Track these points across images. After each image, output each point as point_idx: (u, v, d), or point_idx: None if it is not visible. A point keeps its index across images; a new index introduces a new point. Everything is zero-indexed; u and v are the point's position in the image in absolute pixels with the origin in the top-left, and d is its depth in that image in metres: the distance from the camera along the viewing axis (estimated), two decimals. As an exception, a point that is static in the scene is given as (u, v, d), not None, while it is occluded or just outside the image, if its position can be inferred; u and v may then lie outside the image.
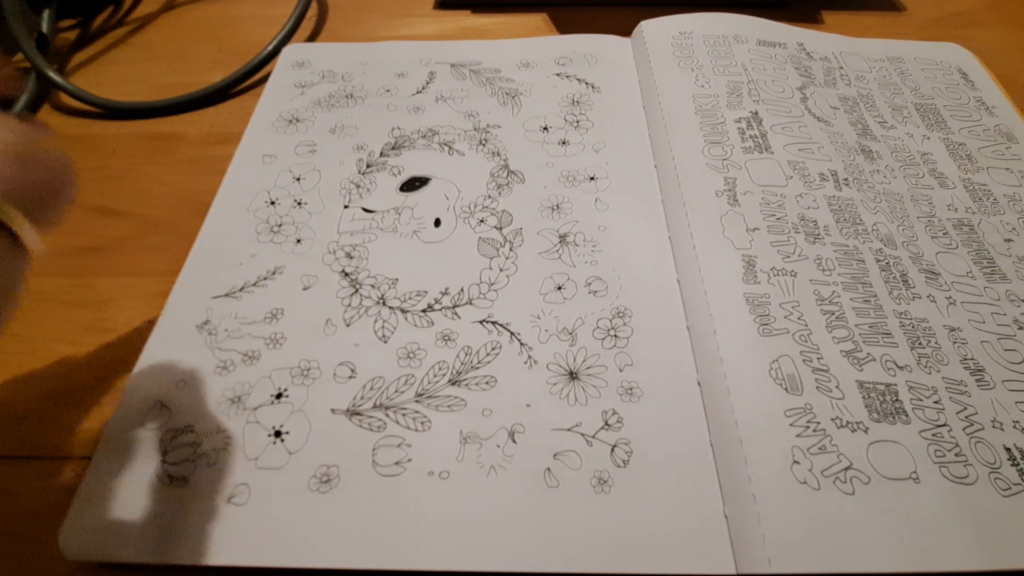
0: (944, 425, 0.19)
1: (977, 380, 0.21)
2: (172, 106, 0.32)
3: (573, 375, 0.21)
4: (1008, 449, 0.19)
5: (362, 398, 0.21)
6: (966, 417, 0.20)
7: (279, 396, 0.21)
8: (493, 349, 0.22)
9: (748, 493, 0.18)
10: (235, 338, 0.22)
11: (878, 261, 0.23)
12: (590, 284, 0.24)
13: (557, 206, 0.26)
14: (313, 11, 0.38)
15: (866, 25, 0.37)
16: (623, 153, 0.28)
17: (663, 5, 0.35)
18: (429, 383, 0.21)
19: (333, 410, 0.21)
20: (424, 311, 0.23)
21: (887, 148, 0.28)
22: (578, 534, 0.18)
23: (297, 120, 0.30)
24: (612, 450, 0.20)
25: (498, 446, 0.20)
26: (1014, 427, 0.20)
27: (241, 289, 0.24)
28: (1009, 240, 0.25)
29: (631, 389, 0.21)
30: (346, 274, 0.24)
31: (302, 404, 0.21)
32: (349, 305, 0.23)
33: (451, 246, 0.25)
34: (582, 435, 0.20)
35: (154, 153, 0.30)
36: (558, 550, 0.18)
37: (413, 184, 0.27)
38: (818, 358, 0.21)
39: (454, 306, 0.23)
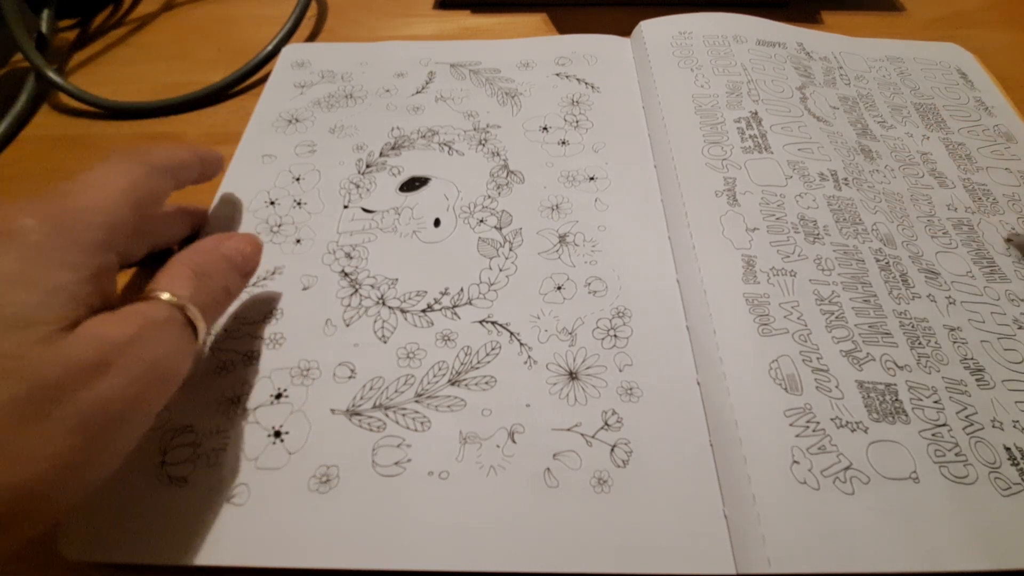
0: (944, 425, 0.19)
1: (977, 380, 0.21)
2: (171, 106, 0.32)
3: (573, 375, 0.21)
4: (1008, 449, 0.19)
5: (362, 398, 0.21)
6: (966, 417, 0.20)
7: (279, 396, 0.21)
8: (493, 349, 0.22)
9: (748, 493, 0.18)
10: (234, 338, 0.22)
11: (878, 261, 0.23)
12: (590, 284, 0.24)
13: (557, 206, 0.26)
14: (313, 11, 0.38)
15: (866, 25, 0.37)
16: (623, 153, 0.28)
17: (663, 5, 0.35)
18: (429, 383, 0.21)
19: (333, 410, 0.21)
20: (424, 311, 0.23)
21: (887, 148, 0.29)
22: (578, 534, 0.18)
23: (297, 120, 0.30)
24: (612, 450, 0.20)
25: (498, 446, 0.20)
26: (1014, 427, 0.20)
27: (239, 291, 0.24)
28: (1009, 240, 0.25)
29: (631, 389, 0.21)
30: (346, 274, 0.24)
31: (302, 404, 0.21)
32: (349, 305, 0.23)
33: (451, 246, 0.25)
34: (582, 435, 0.20)
35: (154, 153, 0.30)
36: (558, 550, 0.18)
37: (413, 184, 0.27)
38: (818, 358, 0.21)
39: (454, 306, 0.23)
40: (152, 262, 0.25)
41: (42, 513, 0.14)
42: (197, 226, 0.25)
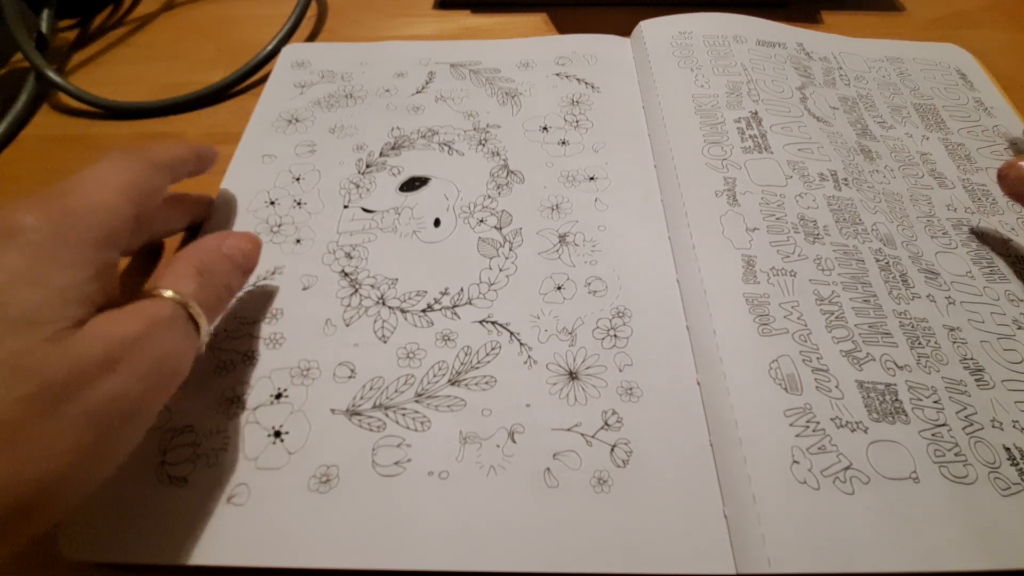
0: (944, 425, 0.19)
1: (976, 380, 0.21)
2: (171, 106, 0.32)
3: (573, 375, 0.21)
4: (1008, 449, 0.19)
5: (362, 398, 0.21)
6: (966, 417, 0.20)
7: (279, 396, 0.21)
8: (493, 349, 0.22)
9: (748, 493, 0.18)
10: (234, 338, 0.22)
11: (877, 261, 0.23)
12: (590, 284, 0.24)
13: (557, 206, 0.26)
14: (313, 11, 0.38)
15: (866, 25, 0.37)
16: (623, 153, 0.28)
17: (663, 5, 0.35)
18: (429, 383, 0.21)
19: (333, 410, 0.21)
20: (424, 311, 0.23)
21: (886, 148, 0.29)
22: (578, 534, 0.18)
23: (297, 120, 0.30)
24: (612, 450, 0.20)
25: (498, 446, 0.20)
26: (1013, 427, 0.20)
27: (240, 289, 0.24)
28: (1009, 240, 0.25)
29: (631, 389, 0.21)
30: (346, 274, 0.24)
31: (302, 404, 0.21)
32: (349, 305, 0.23)
33: (451, 246, 0.25)
34: (582, 435, 0.20)
35: (153, 153, 0.30)
36: (558, 550, 0.18)
37: (413, 184, 0.27)
38: (818, 358, 0.21)
39: (454, 306, 0.23)
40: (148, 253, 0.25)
41: (52, 508, 0.14)
42: (196, 216, 0.25)
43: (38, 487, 0.13)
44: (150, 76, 0.34)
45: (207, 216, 0.26)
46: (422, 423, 0.20)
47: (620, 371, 0.21)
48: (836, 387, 0.20)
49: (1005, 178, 0.25)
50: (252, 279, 0.24)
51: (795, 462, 0.18)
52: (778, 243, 0.24)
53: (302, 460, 0.19)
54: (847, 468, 0.18)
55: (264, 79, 0.33)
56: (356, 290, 0.24)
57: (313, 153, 0.29)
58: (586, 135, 0.29)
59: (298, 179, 0.27)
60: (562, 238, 0.25)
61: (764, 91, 0.30)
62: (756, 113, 0.28)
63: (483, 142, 0.29)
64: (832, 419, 0.19)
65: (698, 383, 0.21)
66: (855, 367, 0.21)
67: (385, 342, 0.22)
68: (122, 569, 0.18)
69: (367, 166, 0.28)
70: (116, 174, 0.18)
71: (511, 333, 0.22)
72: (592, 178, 0.27)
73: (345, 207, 0.26)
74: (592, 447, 0.20)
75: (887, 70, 0.32)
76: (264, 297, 0.23)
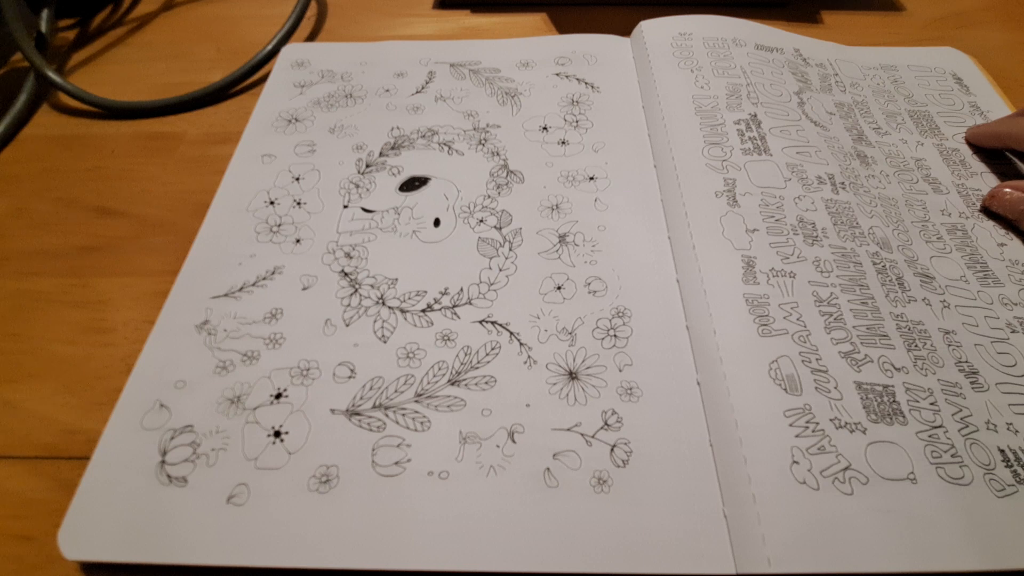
0: (940, 426, 0.20)
1: (971, 382, 0.21)
2: (171, 106, 0.32)
3: (573, 375, 0.21)
4: (1002, 451, 0.19)
5: (361, 398, 0.21)
6: (961, 419, 0.20)
7: (278, 396, 0.21)
8: (492, 349, 0.22)
9: (748, 493, 0.18)
10: (234, 338, 0.22)
11: (875, 264, 0.24)
12: (589, 284, 0.24)
13: (556, 206, 0.26)
14: (312, 11, 0.38)
15: (865, 25, 0.37)
16: (622, 153, 0.28)
17: (663, 5, 0.35)
18: (429, 383, 0.21)
19: (333, 410, 0.21)
20: (423, 311, 0.23)
21: (882, 154, 0.29)
22: (578, 534, 0.18)
23: (296, 120, 0.30)
24: (612, 450, 0.20)
25: (497, 446, 0.20)
26: (1008, 429, 0.20)
27: (240, 289, 0.24)
28: (1003, 244, 0.25)
29: (631, 389, 0.21)
30: (345, 274, 0.24)
31: (301, 404, 0.21)
32: (348, 305, 0.23)
33: (450, 246, 0.25)
34: (581, 435, 0.20)
35: (153, 153, 0.30)
36: (558, 550, 0.18)
37: (412, 184, 0.27)
38: (817, 359, 0.21)
39: (453, 306, 0.23)
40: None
41: None
42: None
43: None
44: (150, 76, 0.34)
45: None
46: (422, 423, 0.20)
47: (620, 371, 0.21)
48: (835, 388, 0.20)
49: (995, 198, 0.26)
50: (252, 278, 0.24)
51: (795, 462, 0.19)
52: (778, 244, 0.24)
53: (302, 460, 0.19)
54: (846, 468, 0.18)
55: (264, 79, 0.33)
56: (356, 290, 0.24)
57: (313, 153, 0.29)
58: (586, 135, 0.29)
59: (298, 179, 0.27)
60: (562, 238, 0.25)
61: (763, 94, 0.30)
62: (755, 116, 0.29)
63: (483, 142, 0.29)
64: (831, 420, 0.19)
65: (698, 383, 0.21)
66: (854, 368, 0.21)
67: (385, 342, 0.22)
68: (122, 569, 0.18)
69: (367, 166, 0.28)
70: None
71: (511, 333, 0.22)
72: (592, 178, 0.27)
73: (345, 207, 0.26)
74: (592, 447, 0.20)
75: (881, 78, 0.33)
76: (264, 297, 0.23)
